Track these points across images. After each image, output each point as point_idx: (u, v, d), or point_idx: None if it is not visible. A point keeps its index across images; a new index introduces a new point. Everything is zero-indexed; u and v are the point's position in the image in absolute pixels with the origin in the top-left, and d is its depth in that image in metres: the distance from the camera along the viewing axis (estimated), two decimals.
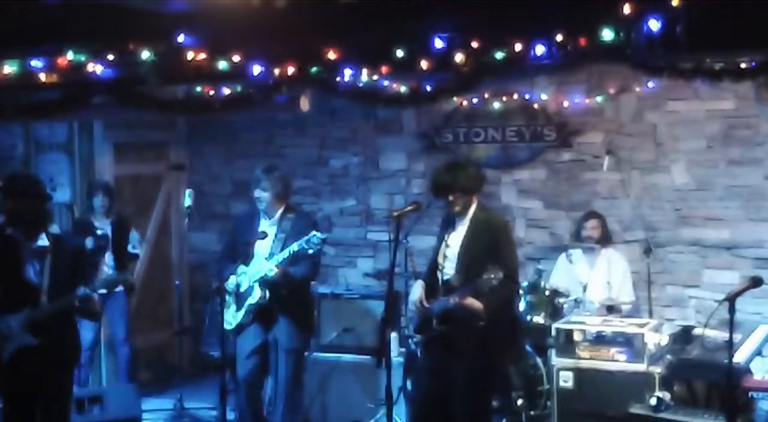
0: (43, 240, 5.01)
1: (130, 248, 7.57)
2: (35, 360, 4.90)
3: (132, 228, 7.69)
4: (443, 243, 5.49)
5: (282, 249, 5.98)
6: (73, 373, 5.30)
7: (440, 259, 5.48)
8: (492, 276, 5.00)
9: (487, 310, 5.19)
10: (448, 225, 5.52)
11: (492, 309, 5.20)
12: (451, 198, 5.38)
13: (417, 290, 5.49)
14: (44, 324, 4.89)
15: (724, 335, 5.53)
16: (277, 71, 6.06)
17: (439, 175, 5.49)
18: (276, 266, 5.90)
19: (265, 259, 6.03)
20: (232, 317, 6.15)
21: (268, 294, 6.01)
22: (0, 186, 5.18)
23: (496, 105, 7.81)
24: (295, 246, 5.86)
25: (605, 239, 7.03)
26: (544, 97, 7.69)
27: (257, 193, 6.15)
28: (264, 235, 6.09)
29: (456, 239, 5.44)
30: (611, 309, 6.70)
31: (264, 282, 6.00)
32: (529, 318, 6.51)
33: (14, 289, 4.92)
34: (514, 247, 5.62)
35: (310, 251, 5.85)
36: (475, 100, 7.83)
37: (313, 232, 5.84)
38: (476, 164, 5.68)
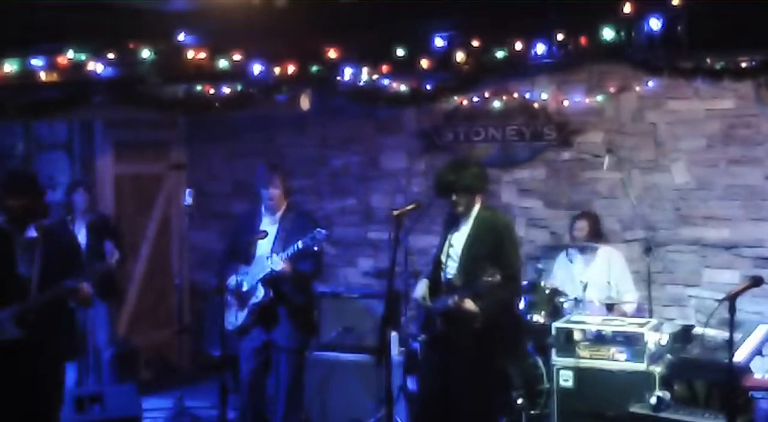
0: (32, 232, 4.97)
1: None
2: (24, 354, 4.84)
3: (112, 234, 7.01)
4: (447, 243, 5.49)
5: (284, 247, 5.99)
6: (64, 367, 5.18)
7: (443, 258, 5.49)
8: (490, 278, 5.00)
9: (484, 312, 5.19)
10: (452, 224, 5.52)
11: (489, 311, 5.20)
12: (454, 197, 5.38)
13: (421, 287, 5.51)
14: (35, 317, 4.82)
15: (724, 334, 5.54)
16: (277, 70, 6.07)
17: (442, 174, 5.46)
18: (283, 261, 5.92)
19: (266, 258, 6.03)
20: (234, 317, 6.15)
21: (272, 292, 6.03)
22: None
23: (497, 104, 7.80)
24: (300, 244, 5.87)
25: (594, 237, 6.99)
26: (544, 96, 7.68)
27: (270, 190, 6.13)
28: (265, 234, 6.08)
29: (459, 239, 5.43)
30: (611, 307, 6.70)
31: (268, 281, 6.01)
32: (529, 317, 6.51)
33: (5, 282, 4.90)
34: (518, 247, 5.61)
35: (315, 247, 5.86)
36: (475, 99, 7.82)
37: (318, 229, 5.85)
38: (479, 163, 5.66)
